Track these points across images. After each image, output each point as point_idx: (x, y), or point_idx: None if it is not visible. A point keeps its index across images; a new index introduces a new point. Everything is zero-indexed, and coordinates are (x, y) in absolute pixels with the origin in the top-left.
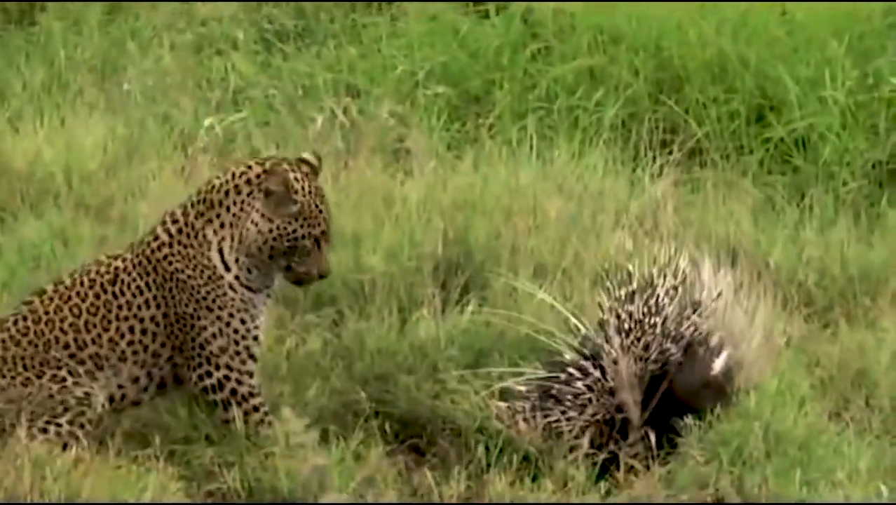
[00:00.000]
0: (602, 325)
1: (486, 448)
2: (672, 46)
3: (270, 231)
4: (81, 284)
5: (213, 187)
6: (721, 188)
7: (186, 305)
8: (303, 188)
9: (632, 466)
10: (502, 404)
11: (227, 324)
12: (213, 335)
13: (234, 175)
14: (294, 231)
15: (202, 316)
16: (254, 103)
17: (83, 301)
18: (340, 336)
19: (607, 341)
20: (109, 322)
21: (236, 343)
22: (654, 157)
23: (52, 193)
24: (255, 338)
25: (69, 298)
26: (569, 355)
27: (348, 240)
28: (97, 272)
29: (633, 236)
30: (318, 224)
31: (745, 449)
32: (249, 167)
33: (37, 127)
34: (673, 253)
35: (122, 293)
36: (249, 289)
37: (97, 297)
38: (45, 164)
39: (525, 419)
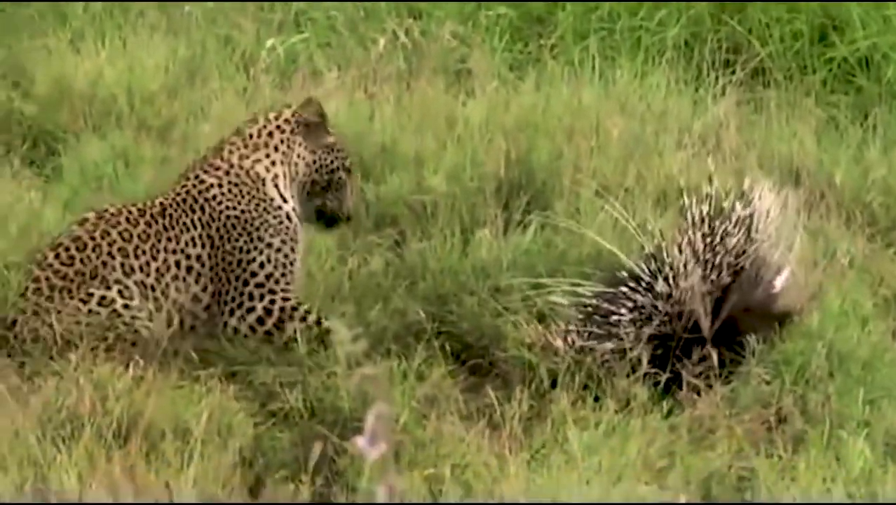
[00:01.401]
0: (674, 242)
1: (549, 368)
2: None
3: (315, 161)
4: (130, 212)
5: (256, 129)
6: (784, 108)
7: (237, 240)
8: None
9: (695, 386)
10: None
11: (279, 250)
12: (262, 264)
13: (272, 118)
14: (332, 162)
15: (253, 248)
16: (315, 24)
17: (134, 227)
18: (402, 257)
19: (680, 253)
20: (158, 252)
21: (284, 267)
22: (717, 77)
23: (114, 114)
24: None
25: (118, 223)
26: (632, 271)
27: (410, 161)
28: (144, 204)
29: (696, 156)
30: (348, 157)
31: (807, 368)
32: (281, 111)
33: (98, 48)
34: (744, 182)
35: (172, 227)
36: (300, 220)
37: (148, 225)
38: (107, 85)
39: (565, 338)
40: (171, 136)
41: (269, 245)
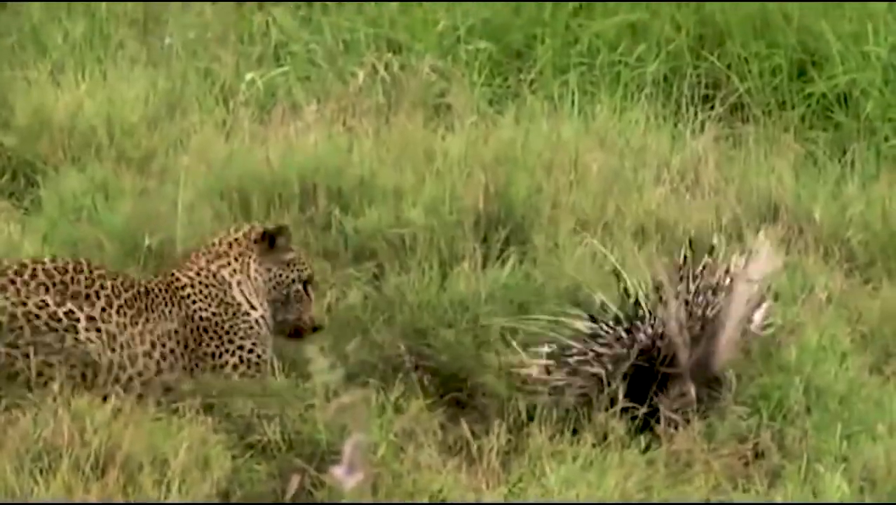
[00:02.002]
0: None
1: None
2: (714, 1)
3: (271, 278)
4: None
5: (218, 239)
6: (763, 143)
7: (208, 345)
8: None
9: (672, 420)
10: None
11: (251, 351)
12: (234, 365)
13: (233, 231)
14: (288, 276)
15: (225, 351)
16: (295, 58)
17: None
18: (381, 290)
19: (657, 291)
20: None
21: (258, 367)
22: (696, 113)
23: (94, 146)
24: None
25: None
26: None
27: (389, 194)
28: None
29: (675, 191)
30: (307, 269)
31: (785, 403)
32: (241, 226)
33: (78, 80)
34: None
35: (152, 310)
36: (269, 330)
37: (133, 297)
38: (87, 116)
39: (545, 369)
40: (151, 168)
41: (241, 347)
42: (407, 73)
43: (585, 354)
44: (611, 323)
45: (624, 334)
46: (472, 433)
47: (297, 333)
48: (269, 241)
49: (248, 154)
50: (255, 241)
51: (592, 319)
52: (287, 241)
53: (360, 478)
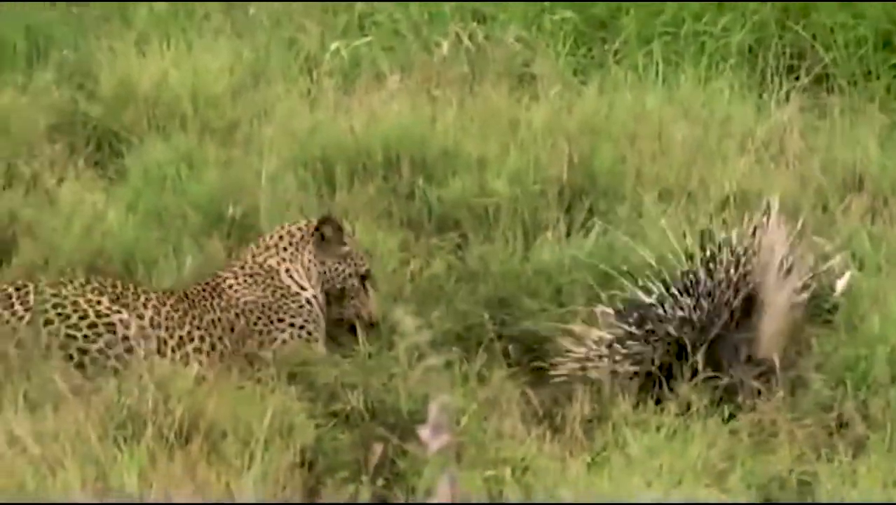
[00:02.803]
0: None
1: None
2: None
3: (326, 272)
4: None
5: (269, 235)
6: (847, 114)
7: (255, 324)
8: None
9: (754, 390)
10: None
11: (301, 327)
12: (284, 341)
13: (286, 226)
14: (343, 270)
15: (274, 329)
16: (379, 28)
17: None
18: (464, 259)
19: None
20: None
21: (307, 343)
22: (781, 83)
23: (178, 116)
24: None
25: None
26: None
27: (473, 164)
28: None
29: (759, 162)
30: (364, 264)
31: (869, 373)
32: (296, 221)
33: (163, 50)
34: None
35: (194, 307)
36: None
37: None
38: (172, 87)
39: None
40: (235, 138)
41: (292, 325)
42: (491, 43)
43: (664, 321)
44: (692, 291)
45: (706, 303)
46: (556, 402)
47: (352, 328)
48: (322, 234)
49: (332, 124)
50: (311, 234)
51: (669, 287)
52: (334, 230)
53: (445, 440)
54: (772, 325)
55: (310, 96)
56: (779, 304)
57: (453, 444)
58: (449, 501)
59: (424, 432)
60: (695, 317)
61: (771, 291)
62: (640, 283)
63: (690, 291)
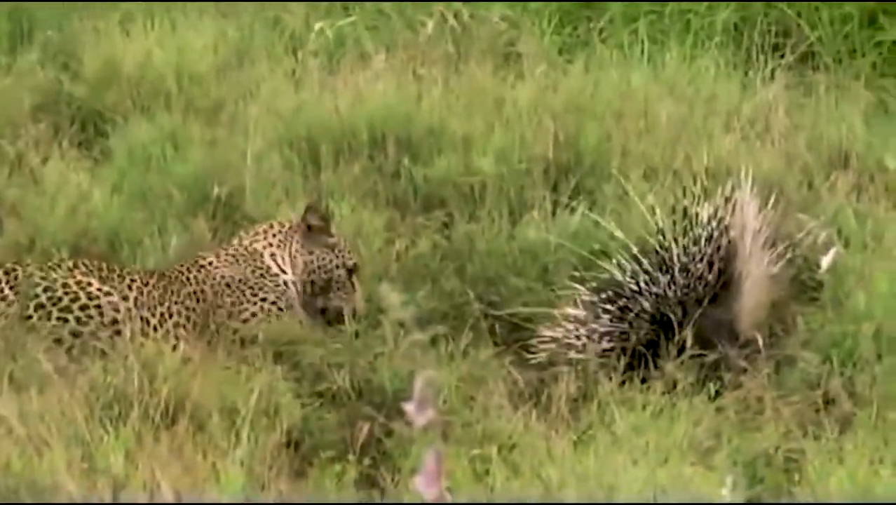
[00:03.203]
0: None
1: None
2: None
3: (313, 262)
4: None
5: (255, 226)
6: (833, 91)
7: (228, 297)
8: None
9: (739, 368)
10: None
11: (273, 303)
12: (254, 314)
13: (272, 222)
14: (331, 261)
15: (246, 301)
16: (364, 7)
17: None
18: (450, 238)
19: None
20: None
21: (277, 318)
22: (766, 61)
23: (163, 96)
24: None
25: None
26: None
27: (459, 143)
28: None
29: (745, 139)
30: (352, 257)
31: (855, 350)
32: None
33: (147, 30)
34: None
35: (172, 283)
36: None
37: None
38: (156, 66)
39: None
40: (220, 117)
41: (263, 299)
42: (476, 22)
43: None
44: (678, 268)
45: (681, 278)
46: (542, 381)
47: (338, 319)
48: (308, 224)
49: (317, 103)
50: (298, 226)
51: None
52: (319, 219)
53: (430, 415)
54: (750, 298)
55: (294, 76)
56: (755, 276)
57: (439, 419)
58: (435, 477)
59: (409, 407)
60: (670, 292)
61: (746, 264)
62: (616, 260)
63: (664, 267)
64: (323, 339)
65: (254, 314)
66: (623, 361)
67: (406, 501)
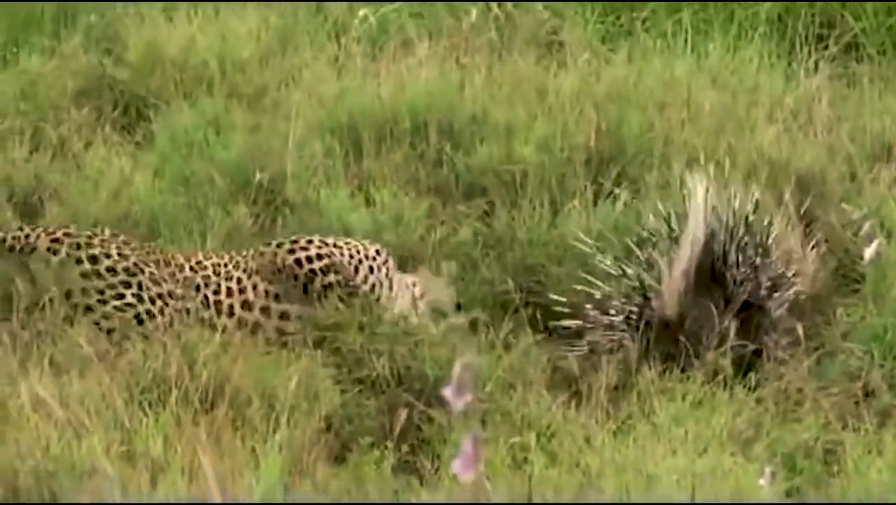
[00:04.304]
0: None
1: (633, 339)
2: None
3: None
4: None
5: None
6: (877, 83)
7: None
8: None
9: (780, 359)
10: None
11: None
12: None
13: None
14: None
15: None
16: None
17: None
18: (492, 227)
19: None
20: None
21: None
22: (810, 52)
23: (206, 81)
24: None
25: None
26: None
27: (501, 131)
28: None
29: (787, 130)
30: None
31: None
32: None
33: (191, 15)
34: None
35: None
36: None
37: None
38: (199, 52)
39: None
40: (263, 103)
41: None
42: (520, 11)
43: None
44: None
45: (734, 271)
46: (582, 370)
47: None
48: None
49: (360, 90)
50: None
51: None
52: None
53: (468, 399)
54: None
55: (337, 62)
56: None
57: (477, 404)
58: (472, 461)
59: (448, 392)
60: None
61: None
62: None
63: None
64: (363, 325)
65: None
66: (663, 351)
67: (445, 487)
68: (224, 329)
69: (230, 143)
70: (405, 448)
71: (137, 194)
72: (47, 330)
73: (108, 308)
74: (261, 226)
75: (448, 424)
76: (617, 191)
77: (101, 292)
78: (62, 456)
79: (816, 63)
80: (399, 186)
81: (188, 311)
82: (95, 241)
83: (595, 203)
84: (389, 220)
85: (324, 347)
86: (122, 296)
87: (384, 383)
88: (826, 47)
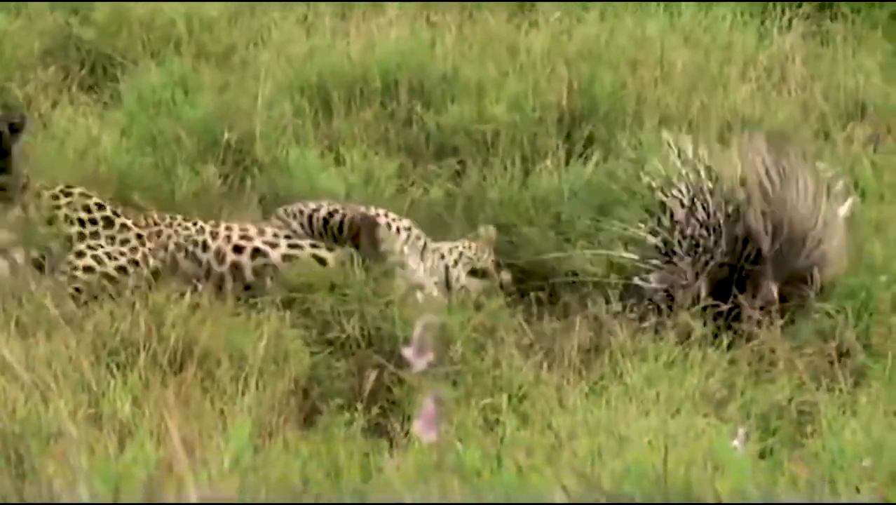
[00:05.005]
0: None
1: (607, 300)
2: None
3: None
4: None
5: None
6: (850, 41)
7: None
8: None
9: (755, 319)
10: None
11: None
12: None
13: None
14: None
15: None
16: None
17: None
18: (462, 186)
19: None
20: None
21: None
22: (783, 10)
23: (173, 41)
24: None
25: None
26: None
27: (472, 90)
28: None
29: (761, 89)
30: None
31: (870, 302)
32: None
33: None
34: None
35: None
36: None
37: None
38: (166, 11)
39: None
40: (231, 63)
41: None
42: None
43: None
44: (697, 220)
45: (708, 232)
46: (554, 331)
47: None
48: None
49: (329, 49)
50: None
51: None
52: None
53: (429, 359)
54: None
55: (307, 21)
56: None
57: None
58: (433, 422)
59: (409, 352)
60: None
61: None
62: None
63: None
64: (333, 286)
65: None
66: (636, 312)
67: (414, 449)
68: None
69: (198, 102)
70: (375, 410)
71: (104, 154)
72: (13, 292)
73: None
74: (230, 186)
75: (419, 384)
76: (589, 150)
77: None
78: (28, 419)
79: (790, 21)
80: (369, 146)
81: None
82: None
83: (567, 163)
84: (359, 179)
85: (293, 309)
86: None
87: (354, 345)
88: (799, 5)
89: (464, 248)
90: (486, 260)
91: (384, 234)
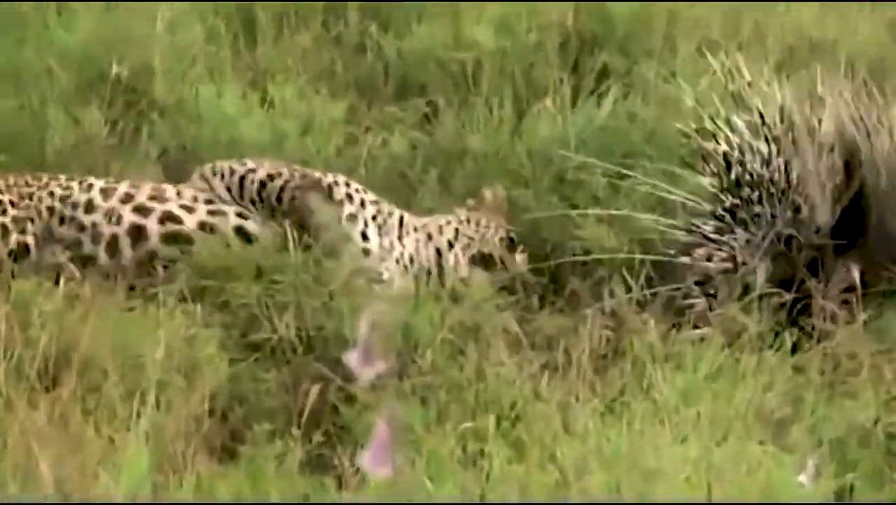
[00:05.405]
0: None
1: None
2: None
3: None
4: None
5: None
6: None
7: None
8: None
9: (830, 312)
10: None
11: None
12: None
13: None
14: None
15: None
16: None
17: None
18: (434, 135)
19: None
20: None
21: None
22: None
23: None
24: None
25: None
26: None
27: (445, 6)
28: None
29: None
30: None
31: None
32: None
33: None
34: None
35: None
36: None
37: None
38: None
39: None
40: None
41: None
42: None
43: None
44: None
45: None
46: (558, 330)
47: None
48: None
49: None
50: None
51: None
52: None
53: (379, 369)
54: None
55: None
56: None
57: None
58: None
59: (351, 357)
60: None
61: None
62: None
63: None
64: (261, 270)
65: None
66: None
67: (370, 488)
68: (71, 278)
69: (76, 25)
70: (317, 437)
71: None
72: None
73: None
74: (119, 136)
75: (375, 403)
76: (603, 86)
77: None
78: None
79: None
80: (307, 81)
81: None
82: None
83: (574, 103)
84: (295, 126)
85: (206, 301)
86: None
87: (288, 350)
88: None
89: (461, 223)
90: (494, 239)
91: (319, 200)
